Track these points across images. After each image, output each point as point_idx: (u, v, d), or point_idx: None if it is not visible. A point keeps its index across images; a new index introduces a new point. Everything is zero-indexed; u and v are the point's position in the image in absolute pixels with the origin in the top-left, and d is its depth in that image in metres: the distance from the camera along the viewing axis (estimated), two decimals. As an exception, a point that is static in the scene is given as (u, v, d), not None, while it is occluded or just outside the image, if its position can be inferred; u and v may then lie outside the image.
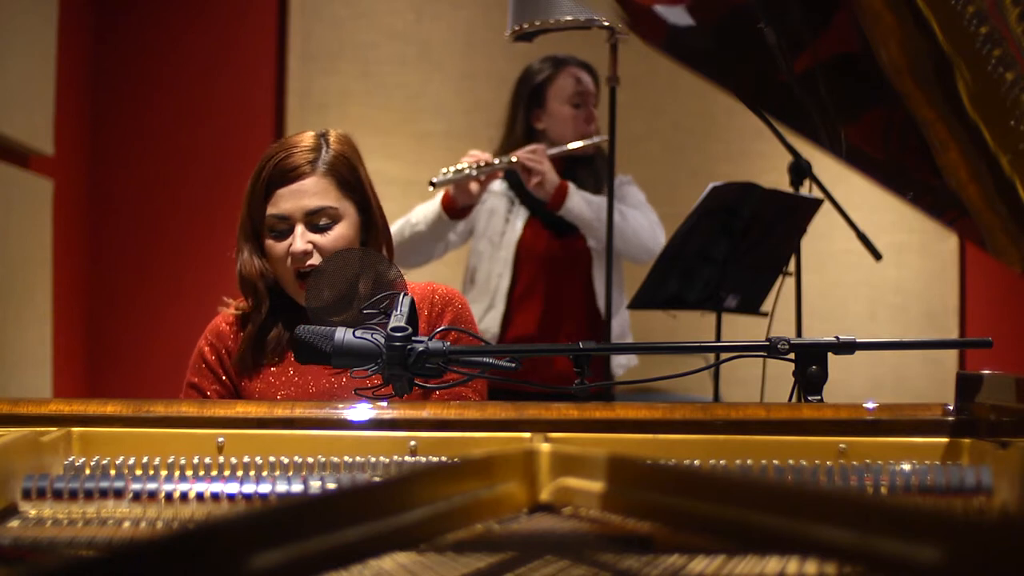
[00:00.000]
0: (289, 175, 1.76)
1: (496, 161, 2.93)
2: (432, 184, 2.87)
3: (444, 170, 2.89)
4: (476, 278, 3.05)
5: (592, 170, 3.07)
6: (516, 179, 3.03)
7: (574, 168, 3.06)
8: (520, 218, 3.03)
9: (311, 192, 1.76)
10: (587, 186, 3.01)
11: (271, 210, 1.77)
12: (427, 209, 3.01)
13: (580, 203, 2.94)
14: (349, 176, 1.81)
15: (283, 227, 1.77)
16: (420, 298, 1.85)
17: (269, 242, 1.79)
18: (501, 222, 3.03)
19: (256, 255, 1.80)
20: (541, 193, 2.93)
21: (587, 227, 2.97)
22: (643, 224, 3.03)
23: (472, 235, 3.09)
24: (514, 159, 2.92)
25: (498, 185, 3.06)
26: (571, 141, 3.03)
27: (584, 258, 3.05)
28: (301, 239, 1.76)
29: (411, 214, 3.03)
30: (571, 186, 2.95)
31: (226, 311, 1.88)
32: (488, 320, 2.98)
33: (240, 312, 1.85)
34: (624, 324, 3.11)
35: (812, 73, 1.21)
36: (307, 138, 1.81)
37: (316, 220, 1.77)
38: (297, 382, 1.80)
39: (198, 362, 1.84)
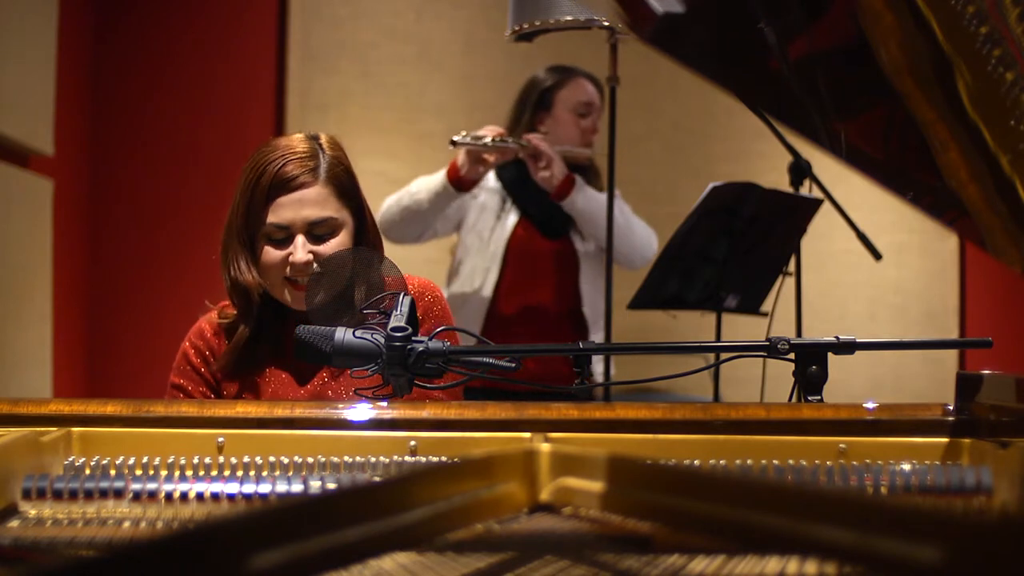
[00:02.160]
0: (290, 184, 1.73)
1: (510, 140, 2.91)
2: (453, 143, 2.86)
3: (464, 133, 2.88)
4: (461, 271, 3.06)
5: (583, 179, 3.08)
6: (510, 178, 3.05)
7: None
8: (512, 217, 3.04)
9: (313, 202, 1.74)
10: None
11: (271, 219, 1.73)
12: (430, 180, 2.97)
13: (584, 197, 2.95)
14: (348, 184, 1.79)
15: (281, 235, 1.75)
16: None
17: (267, 248, 1.75)
18: (492, 218, 3.04)
19: (252, 265, 1.77)
20: (546, 181, 2.94)
21: (588, 223, 2.97)
22: (646, 233, 3.09)
23: (459, 228, 3.09)
24: (524, 141, 2.92)
25: (492, 182, 3.07)
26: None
27: (572, 261, 3.06)
28: (302, 249, 1.73)
29: (411, 184, 3.00)
30: (578, 179, 2.97)
31: (210, 315, 1.86)
32: (469, 312, 2.98)
33: (225, 321, 1.83)
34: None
35: (812, 72, 1.21)
36: (301, 143, 1.77)
37: (317, 230, 1.75)
38: (277, 392, 1.79)
39: (183, 364, 1.83)
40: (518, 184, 3.03)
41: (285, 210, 1.73)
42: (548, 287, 3.05)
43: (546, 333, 3.02)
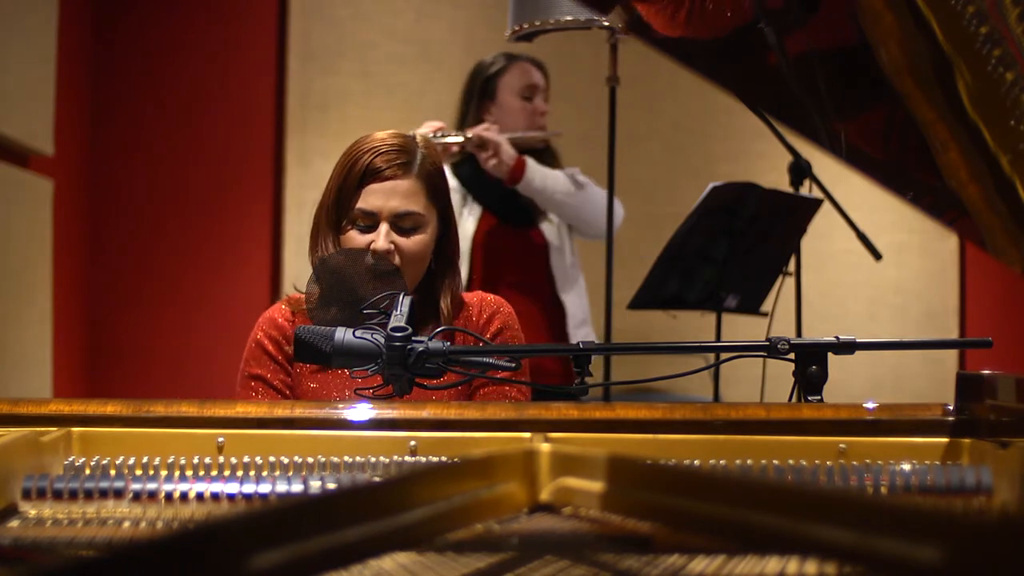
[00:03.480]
0: (384, 172, 1.78)
1: (453, 133, 2.90)
2: None
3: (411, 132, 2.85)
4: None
5: (542, 163, 3.04)
6: (467, 174, 3.01)
7: None
8: (474, 213, 3.02)
9: (403, 194, 1.78)
10: None
11: (360, 204, 1.78)
12: None
13: (539, 176, 2.93)
14: (439, 184, 1.84)
15: (368, 222, 1.79)
16: (468, 304, 1.89)
17: (351, 233, 1.79)
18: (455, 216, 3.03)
19: (337, 246, 1.81)
20: (497, 168, 2.90)
21: (548, 201, 2.95)
22: (604, 198, 2.90)
23: None
24: (469, 134, 2.89)
25: (450, 180, 3.04)
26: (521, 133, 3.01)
27: (541, 250, 3.04)
28: (385, 237, 1.77)
29: None
30: (529, 159, 2.94)
31: (277, 307, 1.86)
32: None
33: (299, 308, 1.82)
34: (586, 310, 3.09)
35: (812, 72, 1.21)
36: (398, 138, 1.83)
37: (402, 222, 1.79)
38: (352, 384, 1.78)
39: (258, 355, 1.81)
40: (475, 179, 3.01)
41: (374, 197, 1.78)
42: (519, 278, 3.03)
43: (525, 324, 3.00)
